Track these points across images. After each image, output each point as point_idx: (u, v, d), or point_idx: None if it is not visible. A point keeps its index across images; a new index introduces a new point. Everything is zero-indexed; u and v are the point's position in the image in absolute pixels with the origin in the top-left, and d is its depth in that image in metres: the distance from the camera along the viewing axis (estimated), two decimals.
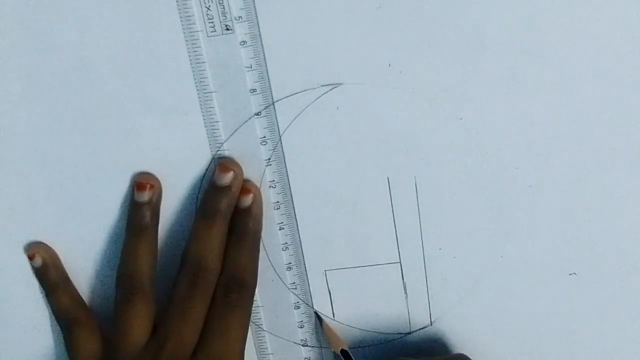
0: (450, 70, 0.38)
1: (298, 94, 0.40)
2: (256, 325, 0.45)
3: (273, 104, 0.40)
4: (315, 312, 0.44)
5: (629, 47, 0.37)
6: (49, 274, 0.43)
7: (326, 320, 0.44)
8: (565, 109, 0.39)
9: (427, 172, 0.41)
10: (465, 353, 0.43)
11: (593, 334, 0.44)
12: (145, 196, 0.40)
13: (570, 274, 0.43)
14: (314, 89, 0.39)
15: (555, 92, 0.39)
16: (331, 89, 0.39)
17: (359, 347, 0.45)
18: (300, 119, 0.40)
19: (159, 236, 0.42)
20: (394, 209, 0.42)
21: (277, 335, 0.45)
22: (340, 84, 0.39)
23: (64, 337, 0.43)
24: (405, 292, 0.44)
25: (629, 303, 0.43)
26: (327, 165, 0.41)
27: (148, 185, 0.40)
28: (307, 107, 0.40)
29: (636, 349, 0.44)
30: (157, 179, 0.41)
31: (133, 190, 0.41)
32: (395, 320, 0.44)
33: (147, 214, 0.41)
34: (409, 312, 0.44)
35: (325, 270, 0.43)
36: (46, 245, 0.43)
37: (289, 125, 0.40)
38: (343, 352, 0.42)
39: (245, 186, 0.41)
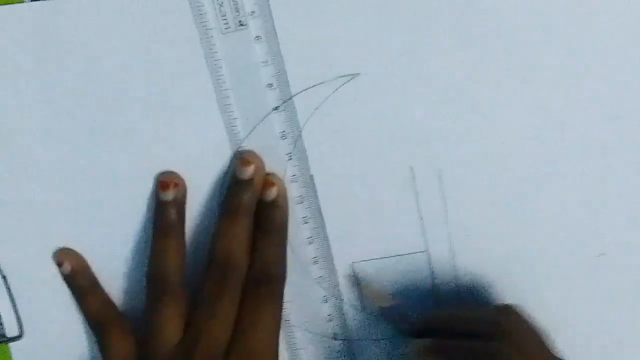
0: (467, 57, 0.38)
1: (316, 87, 0.39)
2: (285, 320, 0.45)
3: (291, 97, 0.40)
4: (355, 273, 0.44)
5: None
6: (79, 279, 0.43)
7: (364, 280, 0.44)
8: (587, 90, 0.38)
9: (449, 160, 0.40)
10: None
11: (623, 315, 0.43)
12: (169, 195, 0.40)
13: (599, 255, 0.42)
14: (332, 81, 0.39)
15: (576, 74, 0.38)
16: (349, 80, 0.39)
17: (388, 338, 0.45)
18: (319, 111, 0.40)
19: (197, 235, 0.42)
20: (419, 198, 0.41)
21: (306, 330, 0.45)
22: (358, 74, 0.39)
23: (97, 341, 0.42)
24: (433, 282, 0.43)
25: None
26: (349, 157, 0.41)
27: (172, 184, 0.40)
28: (326, 99, 0.40)
29: None
30: (180, 177, 0.41)
31: (157, 189, 0.41)
32: (423, 310, 0.44)
33: (173, 212, 0.41)
34: (437, 301, 0.44)
35: (352, 263, 0.43)
36: (74, 251, 0.43)
37: (308, 119, 0.40)
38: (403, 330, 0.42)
39: (269, 179, 0.41)
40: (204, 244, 0.42)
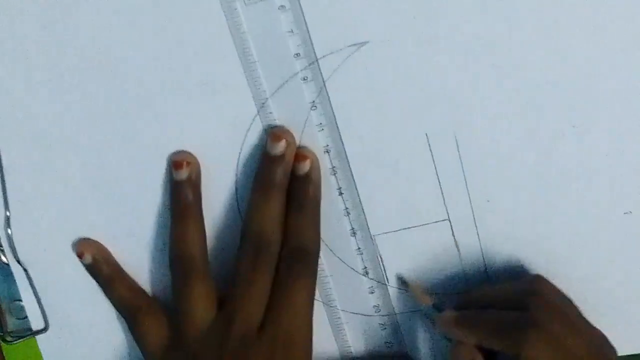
0: (480, 18, 0.37)
1: (342, 55, 0.38)
2: (326, 295, 0.44)
3: (319, 67, 0.39)
4: (399, 276, 0.43)
5: None
6: (101, 268, 0.43)
7: (410, 281, 0.43)
8: (604, 47, 0.37)
9: (467, 124, 0.39)
10: None
11: None
12: (183, 174, 0.40)
13: (625, 213, 0.41)
14: (356, 47, 0.38)
15: (592, 32, 0.37)
16: (358, 49, 0.38)
17: (416, 310, 0.44)
18: (346, 80, 0.39)
19: (214, 213, 0.42)
20: (436, 165, 0.40)
21: (348, 304, 0.44)
22: (367, 42, 0.38)
23: (130, 327, 0.43)
24: (458, 250, 0.42)
25: None
26: (375, 126, 0.40)
27: (185, 163, 0.40)
28: (353, 67, 0.39)
29: None
30: (193, 155, 0.41)
31: (171, 170, 0.41)
32: (450, 279, 0.43)
33: (188, 191, 0.40)
34: (463, 269, 0.43)
35: (372, 235, 0.43)
36: (94, 240, 0.43)
37: (333, 89, 0.39)
38: (435, 305, 0.41)
39: (302, 152, 0.40)
40: (236, 222, 0.42)
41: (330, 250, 0.43)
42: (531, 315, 0.36)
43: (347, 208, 0.42)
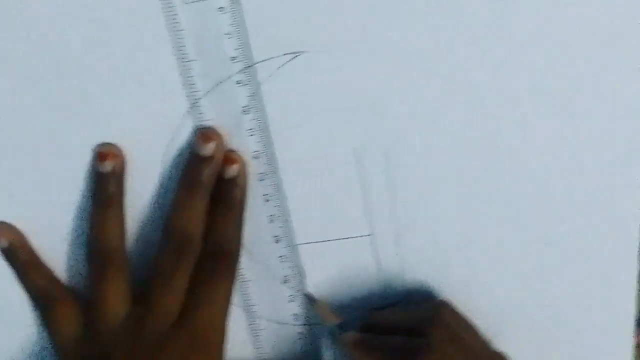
0: (418, 32, 0.37)
1: (278, 62, 0.38)
2: (245, 300, 0.44)
3: (255, 72, 0.38)
4: (307, 292, 0.43)
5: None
6: (18, 254, 0.42)
7: (318, 298, 0.43)
8: (545, 70, 0.37)
9: (397, 142, 0.40)
10: None
11: (571, 303, 0.44)
12: (108, 166, 0.40)
13: (547, 244, 0.42)
14: (279, 57, 0.38)
15: (527, 59, 0.37)
16: (294, 57, 0.38)
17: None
18: (281, 86, 0.39)
19: (137, 208, 0.42)
20: (363, 180, 0.41)
21: (266, 311, 0.44)
22: (303, 52, 0.38)
23: (42, 317, 0.42)
24: (379, 266, 0.43)
25: (606, 271, 0.43)
26: (306, 134, 0.40)
27: (110, 155, 0.40)
28: (289, 75, 0.38)
29: (611, 318, 0.44)
30: (119, 149, 0.40)
31: (95, 161, 0.40)
32: (368, 295, 0.44)
33: (112, 184, 0.40)
34: (382, 286, 0.43)
35: (297, 244, 0.43)
36: (11, 225, 0.42)
37: (269, 93, 0.39)
38: (339, 325, 0.42)
39: (231, 156, 0.40)
40: (157, 218, 0.42)
41: (252, 255, 0.43)
42: (429, 343, 0.37)
43: (272, 215, 0.42)
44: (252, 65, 0.38)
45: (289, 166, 0.41)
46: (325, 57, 0.38)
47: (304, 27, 0.37)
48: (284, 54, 0.38)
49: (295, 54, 0.38)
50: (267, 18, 0.37)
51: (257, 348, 0.45)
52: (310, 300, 0.44)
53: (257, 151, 0.40)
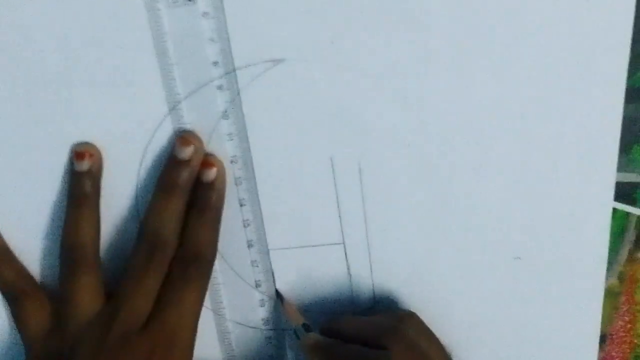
0: (395, 48, 0.38)
1: (259, 69, 0.39)
2: (216, 303, 0.44)
3: (236, 78, 0.39)
4: (277, 290, 0.44)
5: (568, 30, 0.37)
6: None
7: (287, 298, 0.44)
8: (511, 88, 0.38)
9: (371, 152, 0.40)
10: None
11: (537, 318, 0.44)
12: (84, 165, 0.40)
13: (515, 258, 0.42)
14: (259, 64, 0.39)
15: (500, 71, 0.38)
16: (275, 65, 0.38)
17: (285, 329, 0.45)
18: (261, 92, 0.39)
19: (112, 208, 0.42)
20: (337, 188, 0.41)
21: (237, 315, 0.45)
22: (283, 60, 0.38)
23: (11, 310, 0.42)
24: (349, 274, 0.43)
25: (572, 287, 0.43)
26: (282, 142, 0.40)
27: (87, 154, 0.40)
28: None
29: (578, 332, 0.45)
30: (96, 148, 0.40)
31: (72, 159, 0.40)
32: (339, 302, 0.44)
33: (87, 183, 0.40)
34: (352, 294, 0.44)
35: (269, 250, 0.43)
36: None
37: (249, 99, 0.39)
38: (305, 325, 0.42)
39: (209, 160, 0.40)
40: (133, 219, 0.42)
41: (224, 259, 0.43)
42: (388, 355, 0.37)
43: (246, 220, 0.42)
44: (233, 71, 0.39)
45: (264, 172, 0.41)
46: (305, 66, 0.38)
47: (285, 35, 0.38)
48: (265, 61, 0.39)
49: (276, 62, 0.38)
50: (249, 25, 0.38)
51: (227, 352, 0.45)
52: (278, 298, 0.44)
53: (234, 156, 0.41)
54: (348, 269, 0.43)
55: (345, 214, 0.42)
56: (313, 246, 0.43)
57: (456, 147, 0.40)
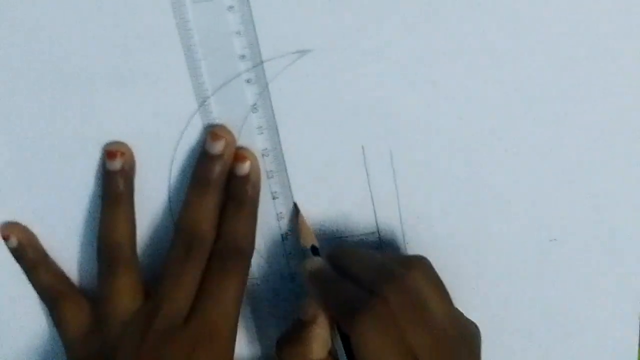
0: (422, 35, 0.37)
1: (287, 60, 0.38)
2: (253, 297, 0.44)
3: (263, 70, 0.39)
4: (295, 203, 0.43)
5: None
6: (27, 253, 0.42)
7: (304, 215, 0.43)
8: (542, 71, 0.38)
9: (402, 139, 0.40)
10: None
11: (573, 300, 0.44)
12: (116, 164, 0.40)
13: (550, 240, 0.42)
14: (286, 55, 0.38)
15: (531, 54, 0.38)
16: (301, 56, 0.38)
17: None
18: (289, 85, 0.39)
19: (146, 206, 0.42)
20: (370, 178, 0.41)
21: (274, 307, 0.45)
22: (310, 50, 0.38)
23: (51, 314, 0.42)
24: None
25: (608, 267, 0.43)
26: (314, 133, 0.40)
27: (118, 153, 0.40)
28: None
29: (614, 314, 0.44)
30: (127, 147, 0.41)
31: (104, 159, 0.41)
32: None
33: (120, 182, 0.40)
34: None
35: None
36: (20, 224, 0.42)
37: (278, 92, 0.39)
38: (313, 248, 0.41)
39: (242, 153, 0.40)
40: (168, 216, 0.42)
41: (258, 253, 0.43)
42: (380, 303, 0.35)
43: (279, 213, 0.42)
44: (260, 64, 0.39)
45: (295, 164, 0.41)
46: (332, 57, 0.38)
47: (311, 26, 0.38)
48: (292, 53, 0.38)
49: (303, 53, 0.38)
50: (275, 17, 0.38)
51: (265, 346, 0.45)
52: (295, 211, 0.43)
53: (265, 149, 0.41)
54: None
55: (379, 203, 0.42)
56: (349, 237, 0.42)
57: (488, 131, 0.39)
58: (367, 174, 0.41)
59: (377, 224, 0.42)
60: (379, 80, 0.39)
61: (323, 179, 0.41)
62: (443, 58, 0.38)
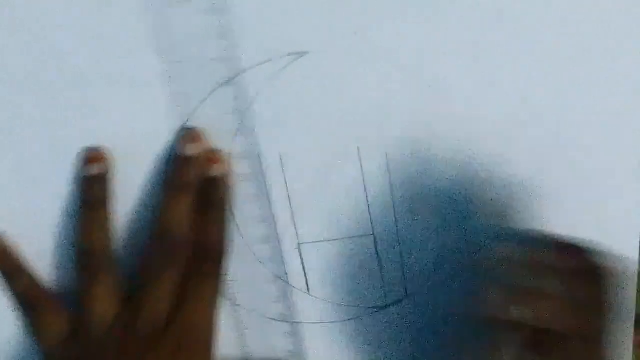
0: (419, 37, 0.37)
1: (266, 64, 0.38)
2: (231, 299, 0.44)
3: (241, 73, 0.38)
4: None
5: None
6: (3, 260, 0.42)
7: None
8: (542, 71, 0.38)
9: (397, 142, 0.40)
10: (440, 325, 0.42)
11: None
12: (95, 169, 0.40)
13: None
14: (282, 57, 0.38)
15: (531, 54, 0.37)
16: (297, 58, 0.38)
17: (335, 322, 0.45)
18: (269, 88, 0.39)
19: (126, 211, 0.42)
20: (365, 179, 0.41)
21: (253, 311, 0.44)
22: (307, 52, 0.38)
23: (28, 322, 0.42)
24: (380, 265, 0.43)
25: None
26: (298, 136, 0.40)
27: (97, 158, 0.40)
28: (275, 76, 0.38)
29: None
30: (107, 152, 0.40)
31: (82, 164, 0.40)
32: (370, 294, 0.44)
33: (99, 187, 0.40)
34: (383, 285, 0.43)
35: (299, 244, 0.43)
36: None
37: (257, 95, 0.39)
38: None
39: (215, 156, 0.40)
40: (145, 220, 0.42)
41: (240, 255, 0.43)
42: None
43: (260, 215, 0.42)
44: (246, 68, 0.38)
45: (292, 166, 0.41)
46: (326, 60, 0.38)
47: (295, 29, 0.37)
48: (274, 56, 0.38)
49: (297, 55, 0.38)
50: (256, 19, 0.37)
51: (244, 346, 0.45)
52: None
53: (242, 152, 0.40)
54: (379, 260, 0.43)
55: (374, 204, 0.41)
56: (344, 238, 0.42)
57: (483, 136, 0.39)
58: (363, 175, 0.41)
59: (372, 226, 0.42)
60: (374, 81, 0.38)
61: (319, 180, 0.41)
62: (439, 59, 0.38)
